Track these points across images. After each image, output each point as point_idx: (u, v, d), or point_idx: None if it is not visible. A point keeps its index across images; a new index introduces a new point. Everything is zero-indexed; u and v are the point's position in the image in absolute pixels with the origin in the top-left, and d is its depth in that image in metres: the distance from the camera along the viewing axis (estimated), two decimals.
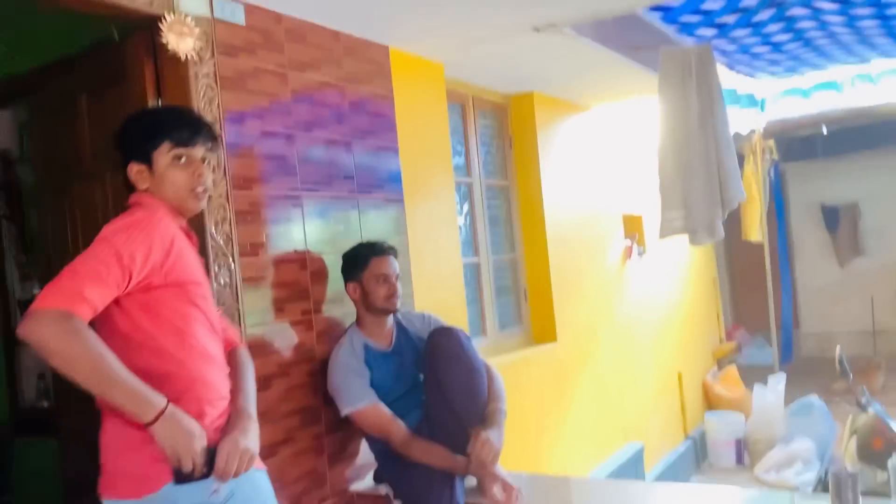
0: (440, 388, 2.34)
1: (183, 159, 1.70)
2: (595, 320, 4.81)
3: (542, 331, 4.34)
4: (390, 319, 2.52)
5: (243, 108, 2.26)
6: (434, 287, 3.24)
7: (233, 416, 1.67)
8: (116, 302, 1.57)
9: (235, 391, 1.74)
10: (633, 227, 5.56)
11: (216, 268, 2.10)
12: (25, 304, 3.10)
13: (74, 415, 2.53)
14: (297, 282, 2.41)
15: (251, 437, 1.64)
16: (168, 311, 1.62)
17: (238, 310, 2.17)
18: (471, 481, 2.37)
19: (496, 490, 2.21)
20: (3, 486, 3.14)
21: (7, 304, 3.18)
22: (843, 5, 3.84)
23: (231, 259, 2.14)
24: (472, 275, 3.97)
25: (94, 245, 1.56)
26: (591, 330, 4.75)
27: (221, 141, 2.09)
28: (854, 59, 5.69)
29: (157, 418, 1.49)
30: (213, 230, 2.10)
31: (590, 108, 4.97)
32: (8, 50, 2.74)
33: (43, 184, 2.68)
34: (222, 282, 2.12)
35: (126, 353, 1.54)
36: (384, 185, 2.87)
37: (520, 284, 4.38)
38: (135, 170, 1.71)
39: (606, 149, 5.22)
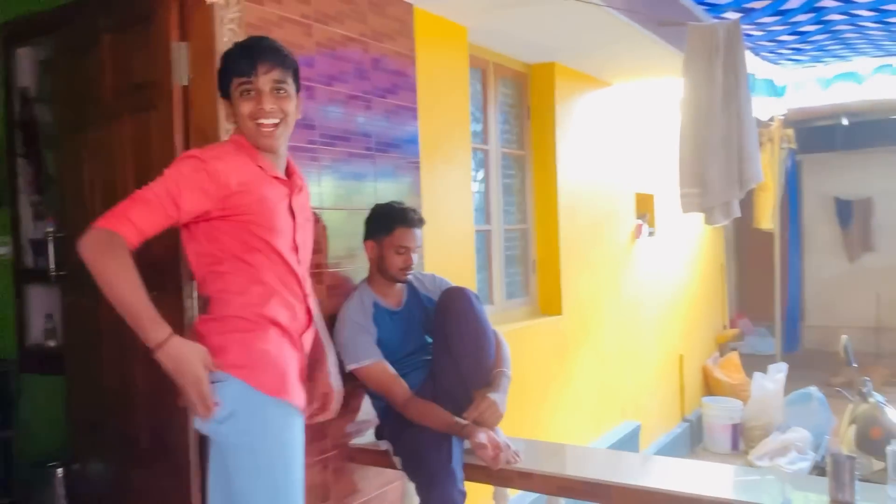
0: (448, 347, 2.35)
1: (251, 92, 1.73)
2: (601, 296, 4.82)
3: (549, 303, 4.35)
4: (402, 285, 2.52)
5: None
6: (445, 252, 3.24)
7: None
8: (186, 227, 1.72)
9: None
10: (644, 206, 5.54)
11: None
12: (37, 244, 3.13)
13: (81, 355, 2.56)
14: None
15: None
16: (229, 239, 1.71)
17: None
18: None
19: (482, 437, 2.20)
20: (7, 420, 3.18)
21: (19, 242, 3.19)
22: (875, 0, 3.78)
23: None
24: (483, 242, 3.97)
25: (159, 176, 1.68)
26: (597, 305, 4.76)
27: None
28: (880, 53, 5.62)
29: (157, 348, 1.58)
30: None
31: (611, 83, 4.92)
32: None
33: (61, 123, 2.68)
34: None
35: (198, 273, 1.77)
36: (401, 146, 2.86)
37: (529, 255, 4.38)
38: (224, 107, 1.81)
39: (625, 126, 5.18)
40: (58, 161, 2.79)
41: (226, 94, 1.78)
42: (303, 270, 1.84)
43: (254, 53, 1.73)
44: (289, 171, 1.86)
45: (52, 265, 2.93)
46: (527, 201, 4.38)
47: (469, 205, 3.54)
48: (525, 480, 2.22)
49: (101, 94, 2.38)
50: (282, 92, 1.75)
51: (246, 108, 1.73)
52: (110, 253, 1.58)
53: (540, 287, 4.40)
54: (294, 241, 1.80)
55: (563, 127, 4.38)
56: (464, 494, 2.16)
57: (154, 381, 2.18)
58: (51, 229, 2.95)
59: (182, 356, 1.59)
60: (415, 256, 2.44)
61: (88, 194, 2.47)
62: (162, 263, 2.12)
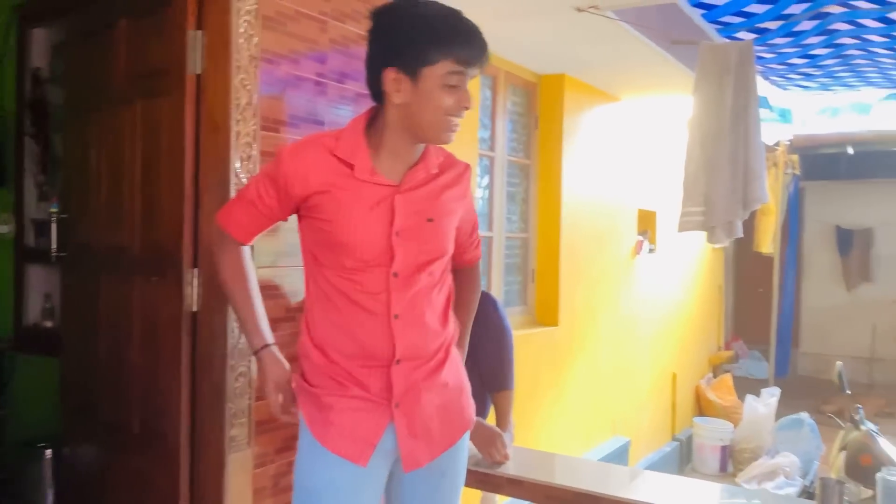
0: (469, 345, 2.38)
1: (460, 85, 1.49)
2: (598, 310, 4.82)
3: (546, 313, 4.36)
4: None
5: (280, 50, 2.25)
6: None
7: None
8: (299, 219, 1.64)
9: None
10: (646, 223, 5.56)
11: None
12: (40, 224, 3.13)
13: (77, 337, 2.56)
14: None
15: None
16: (307, 241, 1.63)
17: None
18: None
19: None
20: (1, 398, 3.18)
21: (22, 221, 3.20)
22: (887, 26, 3.81)
23: None
24: (484, 249, 3.97)
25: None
26: (593, 319, 4.76)
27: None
28: (889, 84, 5.64)
29: (254, 354, 1.66)
30: (238, 168, 2.11)
31: (620, 98, 4.94)
32: None
33: (71, 105, 2.68)
34: None
35: None
36: None
37: (528, 265, 4.39)
38: (392, 77, 1.48)
39: (631, 142, 5.20)
40: (65, 143, 2.79)
41: (409, 65, 1.47)
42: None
43: (478, 44, 1.49)
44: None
45: (53, 246, 2.93)
46: (529, 210, 4.40)
47: None
48: (514, 487, 2.21)
49: (112, 79, 2.39)
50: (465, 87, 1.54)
51: (449, 99, 1.48)
52: (221, 255, 1.66)
53: (538, 297, 4.41)
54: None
55: (570, 139, 4.40)
56: None
57: (148, 368, 2.19)
58: (55, 210, 2.96)
59: (263, 371, 1.66)
60: None
61: (94, 177, 2.47)
62: (163, 249, 2.12)
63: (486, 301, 2.42)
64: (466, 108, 1.51)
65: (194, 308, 2.07)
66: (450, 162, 1.68)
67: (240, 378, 2.06)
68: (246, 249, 1.71)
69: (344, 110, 2.53)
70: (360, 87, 2.59)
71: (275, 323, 2.19)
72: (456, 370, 1.72)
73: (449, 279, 1.70)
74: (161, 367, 2.14)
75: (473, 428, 2.21)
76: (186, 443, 2.10)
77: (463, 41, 1.47)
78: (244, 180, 2.11)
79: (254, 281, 1.71)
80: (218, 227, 1.67)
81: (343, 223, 1.52)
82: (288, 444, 2.23)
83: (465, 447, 1.77)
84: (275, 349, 1.67)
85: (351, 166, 1.53)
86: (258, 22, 2.13)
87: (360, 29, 2.57)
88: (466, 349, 1.88)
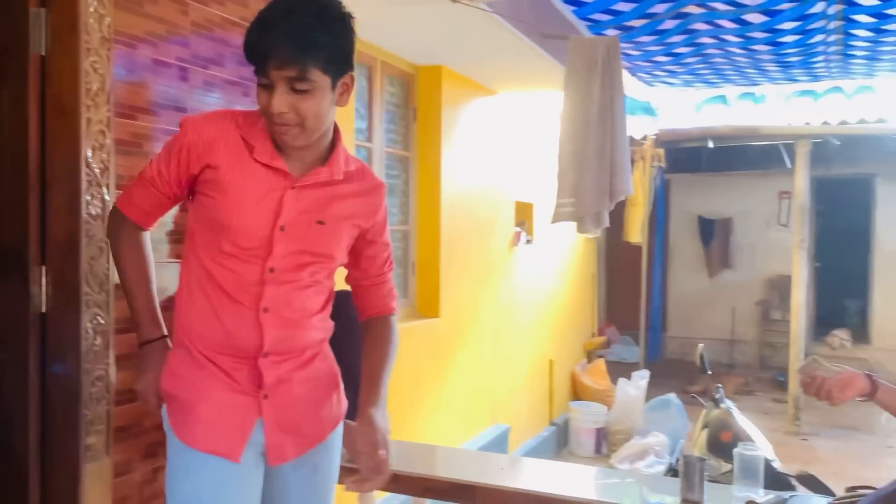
0: (337, 347, 2.32)
1: (266, 86, 1.45)
2: (478, 301, 4.88)
3: (427, 305, 4.36)
4: None
5: (136, 32, 2.11)
6: None
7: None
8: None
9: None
10: (524, 214, 5.68)
11: (88, 197, 1.96)
12: None
13: None
14: (178, 223, 2.30)
15: None
16: (190, 221, 1.58)
17: (107, 244, 2.03)
18: None
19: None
20: None
21: None
22: (741, 27, 4.05)
23: (105, 190, 2.00)
24: None
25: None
26: (474, 310, 4.82)
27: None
28: (745, 81, 6.03)
29: (144, 346, 1.63)
30: (90, 157, 1.96)
31: (497, 91, 5.01)
32: None
33: None
34: (93, 213, 1.98)
35: None
36: None
37: (409, 257, 4.38)
38: None
39: (508, 135, 5.29)
40: None
41: None
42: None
43: (264, 45, 1.41)
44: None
45: None
46: (410, 202, 4.38)
47: None
48: (391, 482, 2.19)
49: None
50: (302, 90, 1.42)
51: (262, 100, 1.46)
52: (119, 239, 1.63)
53: (419, 289, 4.40)
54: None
55: (449, 131, 4.41)
56: None
57: None
58: None
59: (150, 363, 1.63)
60: None
61: None
62: (5, 246, 1.95)
63: (349, 301, 2.38)
64: (271, 113, 1.44)
65: (43, 309, 1.91)
66: (362, 175, 1.64)
67: (97, 383, 1.92)
68: (146, 235, 1.67)
69: (211, 97, 2.41)
70: (227, 73, 2.48)
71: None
72: (328, 367, 1.71)
73: (331, 284, 1.67)
74: (7, 375, 1.97)
75: (352, 432, 2.18)
76: (36, 455, 1.94)
77: (247, 46, 1.47)
78: (97, 171, 1.97)
79: (152, 268, 1.67)
80: (116, 212, 1.64)
81: (229, 204, 1.48)
82: (153, 450, 2.11)
83: (338, 443, 1.75)
84: (168, 343, 1.65)
85: (252, 147, 1.50)
86: (110, 1, 1.99)
87: (224, 12, 2.45)
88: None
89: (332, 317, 2.32)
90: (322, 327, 1.65)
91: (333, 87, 1.48)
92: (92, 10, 1.94)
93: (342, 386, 1.74)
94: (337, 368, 1.75)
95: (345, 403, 1.75)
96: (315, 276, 1.57)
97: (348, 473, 2.18)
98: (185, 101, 2.29)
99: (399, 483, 2.18)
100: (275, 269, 1.50)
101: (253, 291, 1.50)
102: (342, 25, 1.49)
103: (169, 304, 1.80)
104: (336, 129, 1.61)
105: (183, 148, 1.52)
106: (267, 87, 1.44)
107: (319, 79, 1.43)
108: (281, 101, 1.42)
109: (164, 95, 2.22)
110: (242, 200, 1.49)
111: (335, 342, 2.32)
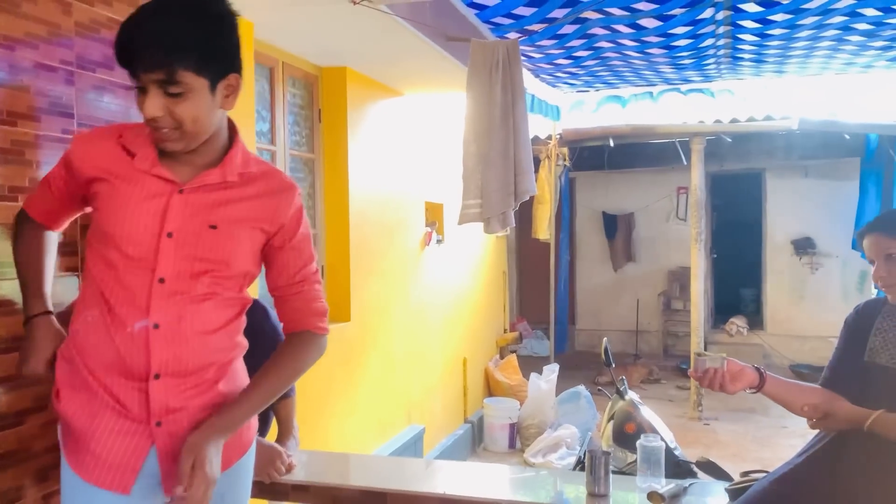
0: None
1: (140, 89, 1.39)
2: (389, 303, 4.87)
3: (337, 310, 4.31)
4: None
5: (14, 33, 1.99)
6: None
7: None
8: None
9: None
10: (434, 214, 5.69)
11: None
12: None
13: None
14: (65, 233, 2.18)
15: None
16: (88, 236, 1.55)
17: None
18: None
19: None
20: None
21: None
22: (637, 31, 4.19)
23: None
24: None
25: None
26: (385, 312, 4.80)
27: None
28: (642, 82, 6.24)
29: (29, 321, 1.59)
30: None
31: (403, 93, 5.00)
32: None
33: None
34: None
35: None
36: None
37: (318, 261, 4.31)
38: None
39: (416, 136, 5.29)
40: None
41: None
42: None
43: (130, 47, 1.35)
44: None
45: None
46: (317, 206, 4.32)
47: None
48: (301, 493, 2.16)
49: None
50: (175, 94, 1.36)
51: (139, 103, 1.40)
52: (17, 227, 1.65)
53: (329, 293, 4.34)
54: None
55: (355, 132, 4.37)
56: None
57: None
58: None
59: (34, 339, 1.58)
60: None
61: None
62: None
63: (256, 310, 2.32)
64: (145, 118, 1.40)
65: None
66: (267, 176, 1.55)
67: None
68: (51, 232, 1.70)
69: (103, 102, 2.30)
70: (117, 76, 2.37)
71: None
72: (235, 391, 1.59)
73: (240, 297, 1.57)
74: None
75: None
76: None
77: (116, 48, 1.40)
78: None
79: (50, 253, 1.68)
80: (20, 210, 1.68)
81: (112, 212, 1.44)
82: (45, 475, 2.00)
83: (248, 470, 1.68)
84: (53, 319, 1.61)
85: (133, 155, 1.47)
86: None
87: (112, 13, 2.34)
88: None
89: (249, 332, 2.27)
90: (225, 346, 1.54)
91: (213, 89, 1.41)
92: None
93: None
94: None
95: (254, 428, 1.68)
96: (214, 287, 1.48)
97: (257, 486, 2.14)
98: (72, 106, 2.18)
99: (307, 494, 2.15)
100: (165, 280, 1.42)
101: (140, 305, 1.41)
102: (218, 24, 1.41)
103: (66, 318, 1.71)
104: (234, 130, 1.56)
105: (67, 162, 1.57)
106: (141, 91, 1.39)
107: (193, 81, 1.36)
108: (153, 105, 1.36)
109: (47, 100, 2.10)
110: (124, 208, 1.43)
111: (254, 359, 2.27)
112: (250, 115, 3.36)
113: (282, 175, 1.60)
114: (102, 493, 1.43)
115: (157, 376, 1.43)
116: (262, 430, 2.30)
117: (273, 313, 2.36)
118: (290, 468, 2.17)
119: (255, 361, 2.23)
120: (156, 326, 1.42)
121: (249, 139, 3.35)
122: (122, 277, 1.42)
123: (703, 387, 1.96)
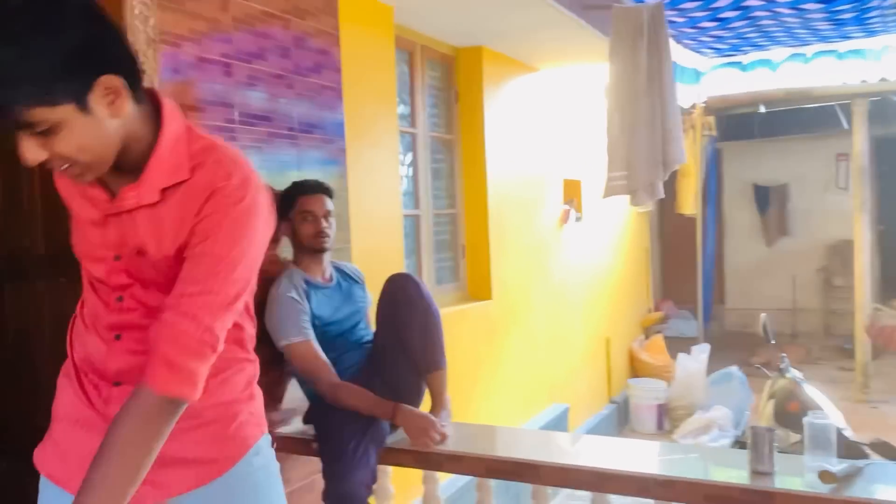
0: (396, 330, 2.33)
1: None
2: (530, 281, 4.85)
3: (478, 288, 4.35)
4: (326, 257, 2.48)
5: (180, 30, 2.14)
6: (372, 236, 3.19)
7: None
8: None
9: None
10: (572, 191, 5.61)
11: None
12: None
13: None
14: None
15: None
16: None
17: None
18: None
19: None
20: None
21: None
22: None
23: None
24: (412, 227, 3.93)
25: None
26: (526, 290, 4.79)
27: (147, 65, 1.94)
28: (795, 42, 5.82)
29: None
30: None
31: (538, 69, 4.94)
32: None
33: None
34: None
35: None
36: (325, 127, 2.79)
37: (458, 241, 4.37)
38: None
39: (552, 112, 5.22)
40: None
41: None
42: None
43: None
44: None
45: None
46: (456, 186, 4.37)
47: (397, 189, 3.50)
48: (454, 463, 2.20)
49: None
50: (42, 132, 1.09)
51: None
52: None
53: (469, 272, 4.40)
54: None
55: (492, 111, 4.38)
56: (369, 483, 2.18)
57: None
58: None
59: None
60: (327, 224, 2.40)
61: None
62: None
63: (408, 282, 2.39)
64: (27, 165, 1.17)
65: None
66: (195, 175, 1.27)
67: None
68: None
69: (256, 93, 2.43)
70: (270, 66, 2.50)
71: None
72: (213, 403, 1.36)
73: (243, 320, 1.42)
74: None
75: (405, 419, 2.19)
76: None
77: None
78: None
79: None
80: None
81: (74, 236, 1.37)
82: None
83: (255, 479, 1.43)
84: None
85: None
86: (153, 2, 2.02)
87: (264, 6, 2.47)
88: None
89: (390, 298, 2.34)
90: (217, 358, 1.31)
91: (83, 107, 1.10)
92: (137, 11, 1.97)
93: (241, 420, 1.42)
94: (237, 405, 1.42)
95: (254, 424, 1.45)
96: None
97: (413, 456, 2.20)
98: (230, 97, 2.32)
99: (461, 464, 2.18)
100: (123, 298, 1.33)
101: (104, 319, 1.35)
102: (53, 30, 1.05)
103: None
104: (161, 132, 1.25)
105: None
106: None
107: (49, 114, 1.07)
108: (29, 151, 1.11)
109: (210, 92, 2.25)
110: (79, 231, 1.36)
111: (398, 326, 2.34)
112: (392, 98, 3.44)
113: (216, 170, 1.27)
114: (56, 490, 1.37)
115: (118, 384, 1.34)
116: (415, 401, 2.36)
117: (423, 284, 2.41)
118: (443, 437, 2.21)
119: (412, 333, 2.31)
120: (117, 338, 1.35)
121: (392, 123, 3.43)
122: (95, 291, 1.38)
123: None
